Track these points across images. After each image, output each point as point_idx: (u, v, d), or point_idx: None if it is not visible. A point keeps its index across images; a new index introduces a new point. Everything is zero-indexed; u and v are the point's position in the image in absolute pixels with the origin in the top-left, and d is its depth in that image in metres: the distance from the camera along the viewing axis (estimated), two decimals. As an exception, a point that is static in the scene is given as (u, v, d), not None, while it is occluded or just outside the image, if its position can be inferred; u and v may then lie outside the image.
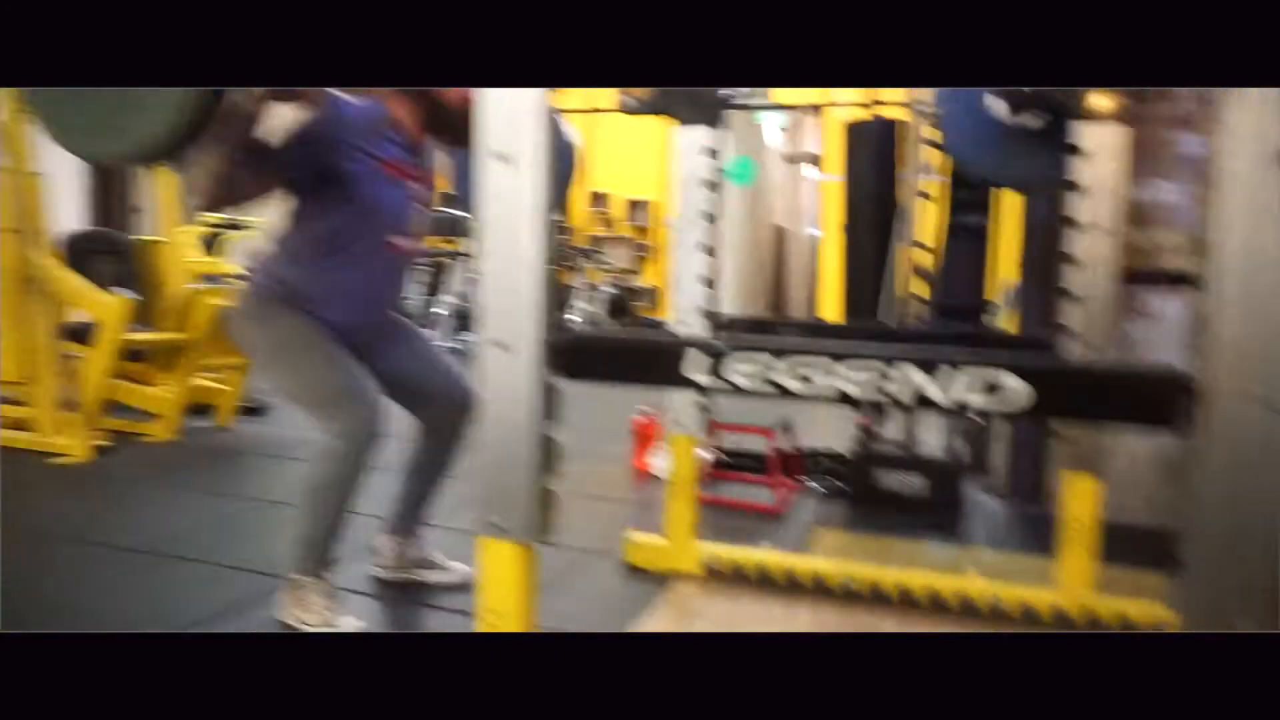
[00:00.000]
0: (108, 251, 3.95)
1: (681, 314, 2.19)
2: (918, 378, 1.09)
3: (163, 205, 4.49)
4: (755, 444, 3.40)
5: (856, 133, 3.14)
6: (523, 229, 1.23)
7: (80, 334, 3.49)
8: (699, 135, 2.16)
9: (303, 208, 1.83)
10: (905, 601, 2.08)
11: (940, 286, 2.81)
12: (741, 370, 1.16)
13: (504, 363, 1.24)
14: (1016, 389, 1.06)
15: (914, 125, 3.04)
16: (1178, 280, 2.81)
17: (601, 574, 2.31)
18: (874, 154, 3.07)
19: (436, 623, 1.98)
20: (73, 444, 3.27)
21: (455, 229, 8.42)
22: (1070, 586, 1.99)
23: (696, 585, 2.21)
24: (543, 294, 1.23)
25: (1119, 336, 2.95)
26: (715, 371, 1.17)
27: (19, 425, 3.41)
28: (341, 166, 1.76)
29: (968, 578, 2.15)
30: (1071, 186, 1.94)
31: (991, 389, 1.07)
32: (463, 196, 2.10)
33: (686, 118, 2.17)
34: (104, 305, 3.29)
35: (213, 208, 1.74)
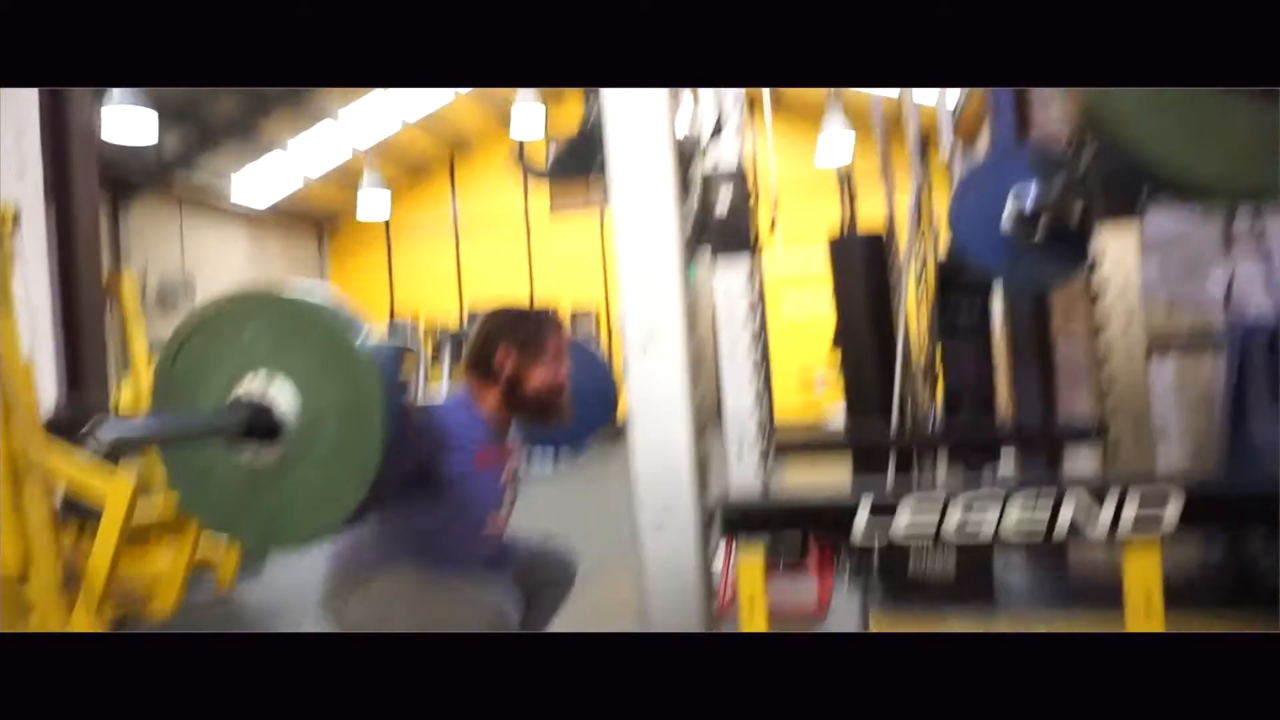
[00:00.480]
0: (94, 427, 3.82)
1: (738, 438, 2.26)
2: (1086, 502, 1.19)
3: (138, 368, 4.41)
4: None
5: (841, 249, 3.33)
6: (666, 409, 1.28)
7: (79, 509, 3.35)
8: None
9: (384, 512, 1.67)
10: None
11: (950, 383, 2.98)
12: (911, 524, 1.23)
13: (661, 542, 1.27)
14: (1174, 512, 1.17)
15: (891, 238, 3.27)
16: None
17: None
18: (863, 269, 3.26)
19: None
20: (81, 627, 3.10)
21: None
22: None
23: None
24: (695, 471, 1.28)
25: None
26: (883, 529, 1.24)
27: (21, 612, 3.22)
28: (438, 470, 1.68)
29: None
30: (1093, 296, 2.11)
31: (1146, 515, 1.18)
32: None
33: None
34: (111, 488, 3.18)
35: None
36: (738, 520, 1.28)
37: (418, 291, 12.93)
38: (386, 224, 13.07)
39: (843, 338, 2.90)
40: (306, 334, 1.24)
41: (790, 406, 9.99)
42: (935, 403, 3.15)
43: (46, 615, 3.15)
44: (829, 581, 3.21)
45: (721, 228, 2.25)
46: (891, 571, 3.18)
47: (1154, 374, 3.08)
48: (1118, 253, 2.10)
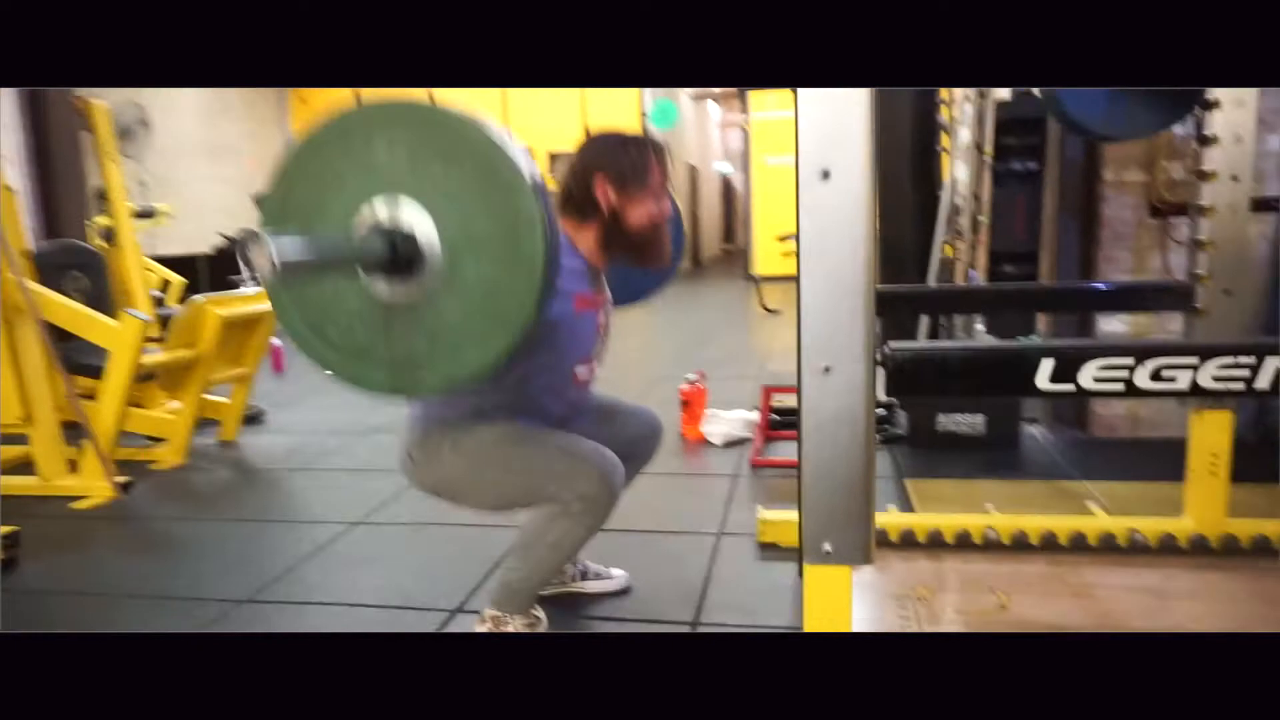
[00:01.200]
0: (78, 265, 3.57)
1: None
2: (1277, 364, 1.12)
3: (116, 209, 4.10)
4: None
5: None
6: (845, 246, 1.19)
7: (81, 365, 3.17)
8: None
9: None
10: (1050, 546, 2.17)
11: (995, 234, 2.88)
12: (1099, 376, 1.16)
13: (829, 387, 1.21)
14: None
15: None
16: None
17: (742, 559, 2.31)
18: (911, 106, 3.07)
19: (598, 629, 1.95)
20: (93, 485, 2.99)
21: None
22: (1208, 513, 2.12)
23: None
24: (869, 312, 1.19)
25: (1162, 266, 3.11)
26: (1070, 378, 1.17)
27: (23, 469, 3.11)
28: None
29: (1101, 516, 2.26)
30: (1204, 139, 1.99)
31: (1356, 372, 1.11)
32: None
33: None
34: (116, 331, 2.99)
35: None
36: (909, 369, 1.19)
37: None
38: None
39: (884, 184, 2.76)
40: (456, 153, 1.06)
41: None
42: (977, 261, 3.06)
43: (48, 470, 3.03)
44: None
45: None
46: (920, 429, 3.20)
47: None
48: (1234, 97, 1.97)
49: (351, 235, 1.06)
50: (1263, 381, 1.12)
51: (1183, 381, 1.14)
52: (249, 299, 3.56)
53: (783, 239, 10.28)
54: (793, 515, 2.33)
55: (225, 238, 8.38)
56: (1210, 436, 2.10)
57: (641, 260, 1.70)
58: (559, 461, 1.61)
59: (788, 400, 3.49)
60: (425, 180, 1.06)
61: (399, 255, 1.05)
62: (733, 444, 3.42)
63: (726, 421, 3.51)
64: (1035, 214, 2.88)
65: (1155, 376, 1.14)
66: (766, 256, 8.12)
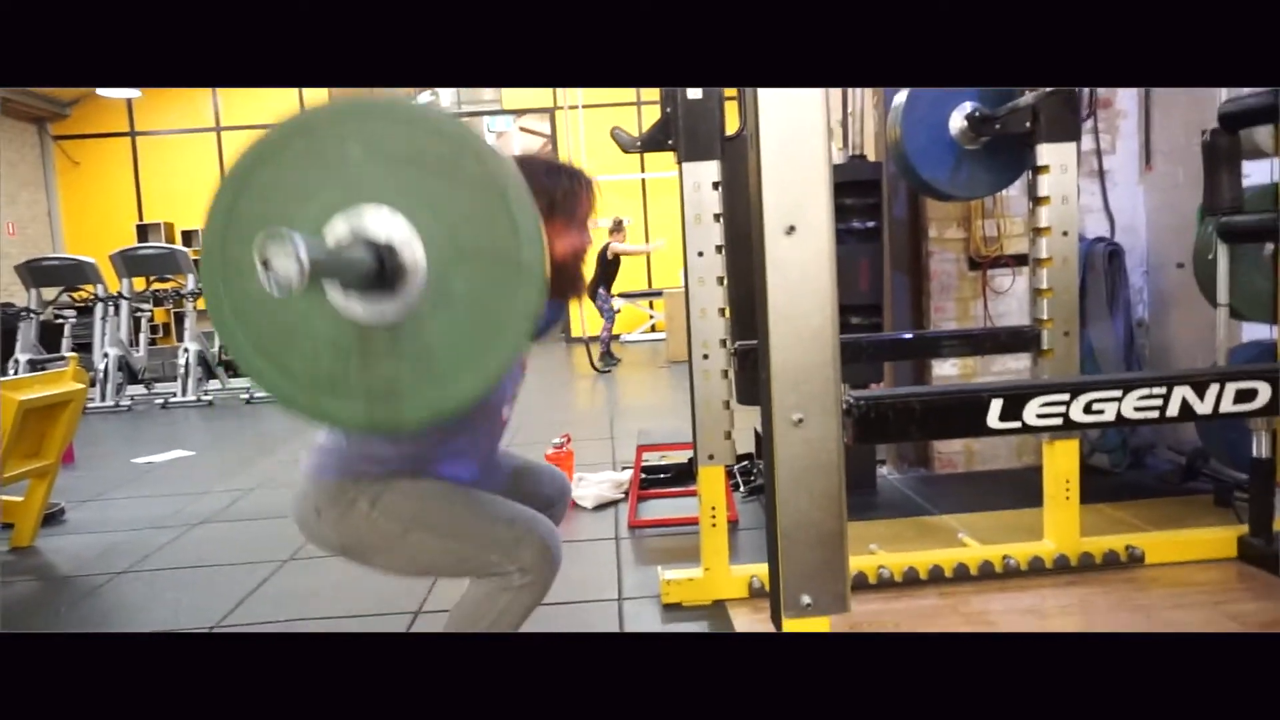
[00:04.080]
0: None
1: (707, 349, 2.21)
2: (1190, 397, 1.26)
3: None
4: (666, 459, 3.52)
5: (735, 147, 3.29)
6: (812, 299, 1.22)
7: None
8: (706, 170, 2.19)
9: None
10: (936, 579, 2.30)
11: (841, 288, 3.08)
12: (1042, 413, 1.25)
13: (802, 439, 1.23)
14: (1266, 393, 1.27)
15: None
16: (1020, 261, 3.34)
17: (651, 621, 2.26)
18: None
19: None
20: None
21: (183, 266, 7.43)
22: (1066, 535, 2.33)
23: (751, 608, 2.26)
24: (837, 363, 1.23)
25: (980, 312, 3.44)
26: (1017, 416, 1.25)
27: None
28: None
29: (975, 546, 2.42)
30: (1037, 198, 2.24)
31: (1245, 396, 1.27)
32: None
33: (689, 153, 2.18)
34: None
35: None
36: (875, 416, 1.23)
37: (168, 197, 11.16)
38: (129, 109, 11.05)
39: (731, 245, 2.88)
40: (440, 156, 0.96)
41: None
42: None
43: None
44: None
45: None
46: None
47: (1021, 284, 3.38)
48: (1059, 163, 2.24)
49: (331, 247, 0.94)
50: (1172, 409, 1.26)
51: (1110, 413, 1.25)
52: (53, 380, 3.13)
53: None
54: (695, 573, 2.33)
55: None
56: (1061, 464, 2.32)
57: (559, 292, 1.63)
58: (500, 528, 1.51)
59: (655, 459, 3.52)
60: (406, 186, 0.96)
61: (385, 269, 0.95)
62: (604, 506, 3.38)
63: (596, 484, 3.47)
64: (878, 269, 3.11)
65: (1087, 410, 1.25)
66: (587, 317, 8.21)
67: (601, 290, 8.08)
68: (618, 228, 8.20)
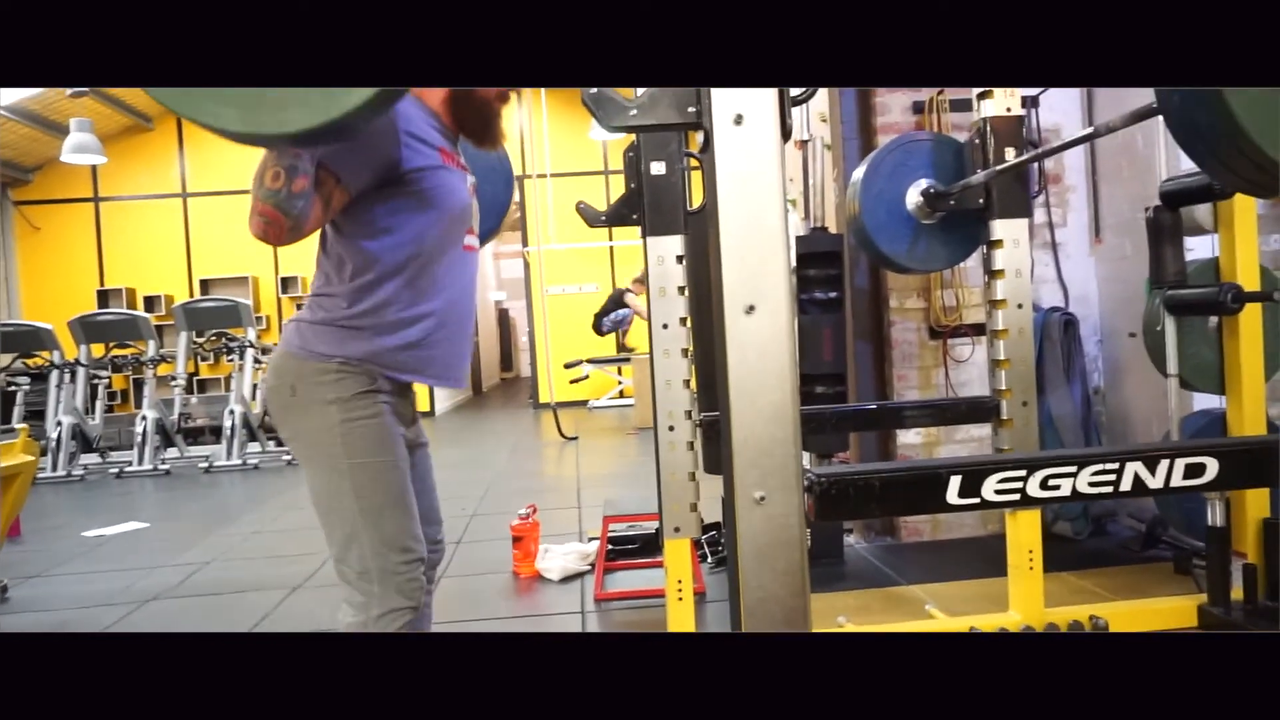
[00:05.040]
0: None
1: (672, 420, 2.21)
2: (1143, 472, 1.29)
3: None
4: (634, 529, 3.48)
5: (699, 220, 3.35)
6: (771, 376, 1.24)
7: None
8: (670, 245, 2.22)
9: (366, 226, 1.53)
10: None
11: (805, 357, 3.11)
12: (1000, 489, 1.27)
13: (763, 516, 1.23)
14: (1214, 467, 1.30)
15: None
16: (979, 330, 3.41)
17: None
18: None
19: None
20: None
21: (143, 331, 7.33)
22: (1030, 606, 2.33)
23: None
24: (798, 439, 1.24)
25: (941, 380, 3.49)
26: (976, 493, 1.26)
27: None
28: (406, 161, 1.51)
29: (942, 618, 2.41)
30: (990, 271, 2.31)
31: (1195, 471, 1.30)
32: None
33: (654, 228, 2.22)
34: None
35: (277, 240, 1.38)
36: (835, 492, 1.24)
37: (131, 262, 11.08)
38: (94, 174, 11.04)
39: (697, 316, 2.92)
40: None
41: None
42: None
43: None
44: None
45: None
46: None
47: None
48: (1011, 238, 2.31)
49: None
50: (1126, 484, 1.28)
51: (1065, 488, 1.27)
52: (1, 452, 3.04)
53: (569, 366, 10.51)
54: (660, 647, 2.28)
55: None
56: (1024, 534, 2.33)
57: (481, 135, 1.65)
58: (393, 557, 1.49)
59: (621, 529, 3.48)
60: None
61: None
62: (570, 578, 3.33)
63: (561, 555, 3.41)
64: (841, 338, 3.16)
65: (1044, 485, 1.27)
66: (556, 384, 8.20)
67: (606, 321, 9.67)
68: (640, 282, 8.84)
